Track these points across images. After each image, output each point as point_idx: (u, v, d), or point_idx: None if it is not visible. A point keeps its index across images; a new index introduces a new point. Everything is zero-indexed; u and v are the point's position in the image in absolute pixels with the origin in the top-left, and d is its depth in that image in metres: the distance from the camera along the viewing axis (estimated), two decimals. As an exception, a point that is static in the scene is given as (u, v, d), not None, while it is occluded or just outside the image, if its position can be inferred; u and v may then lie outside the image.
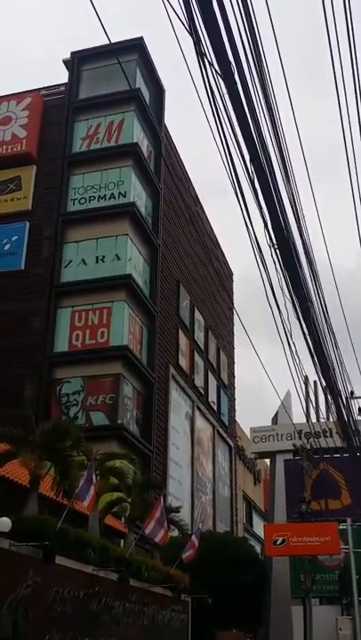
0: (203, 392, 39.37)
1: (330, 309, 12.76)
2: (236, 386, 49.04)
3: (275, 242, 8.66)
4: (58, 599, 12.53)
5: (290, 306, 10.40)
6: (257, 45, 6.55)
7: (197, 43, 5.96)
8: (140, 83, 33.45)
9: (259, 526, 49.49)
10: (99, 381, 27.98)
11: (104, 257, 30.20)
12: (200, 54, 6.10)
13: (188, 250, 39.54)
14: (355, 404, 22.37)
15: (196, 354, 38.53)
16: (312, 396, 30.22)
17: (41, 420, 21.12)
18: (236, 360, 49.68)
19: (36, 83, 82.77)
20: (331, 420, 24.09)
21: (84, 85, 34.28)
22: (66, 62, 34.91)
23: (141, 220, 31.55)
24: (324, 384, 14.71)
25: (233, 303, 49.83)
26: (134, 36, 33.13)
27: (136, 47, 33.12)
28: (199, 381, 38.89)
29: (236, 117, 6.77)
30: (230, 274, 51.52)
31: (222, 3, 5.74)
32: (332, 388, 15.11)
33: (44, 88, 35.46)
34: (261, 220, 8.28)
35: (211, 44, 5.99)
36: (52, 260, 30.65)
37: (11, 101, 34.44)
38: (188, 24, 5.78)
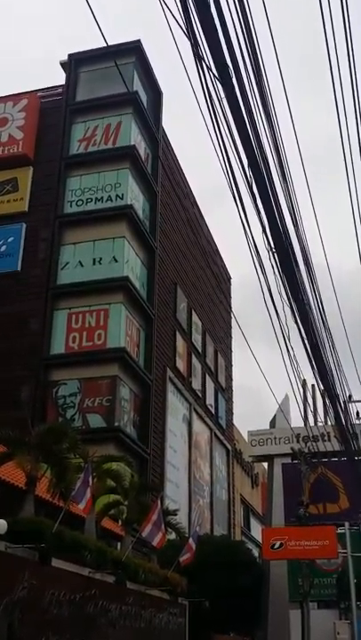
0: (200, 395, 39.36)
1: (328, 313, 12.76)
2: (233, 389, 49.04)
3: (273, 246, 8.65)
4: (54, 602, 12.48)
5: (288, 310, 10.39)
6: (255, 48, 6.54)
7: (195, 46, 5.96)
8: (137, 85, 33.48)
9: (256, 530, 49.45)
10: (95, 383, 27.96)
11: (101, 259, 30.20)
12: (198, 57, 6.09)
13: (186, 253, 39.54)
14: (353, 408, 22.39)
15: (193, 357, 38.51)
16: (310, 400, 30.22)
17: (37, 422, 21.10)
18: (234, 363, 49.71)
19: (35, 83, 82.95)
20: (329, 423, 24.11)
21: (82, 87, 34.30)
22: (63, 64, 34.95)
23: (139, 222, 31.56)
24: (322, 388, 14.71)
25: (231, 307, 49.87)
26: (132, 39, 33.20)
27: (134, 50, 33.16)
28: (197, 384, 38.87)
29: (234, 121, 6.76)
30: (228, 277, 51.53)
31: (220, 5, 5.73)
32: (330, 392, 15.10)
33: (40, 90, 35.47)
34: (260, 225, 8.28)
35: (208, 47, 5.98)
36: (49, 262, 30.64)
37: (7, 103, 34.44)
38: (185, 27, 5.77)
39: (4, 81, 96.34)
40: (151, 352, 31.42)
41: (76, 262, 30.54)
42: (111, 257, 30.10)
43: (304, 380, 22.62)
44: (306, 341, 11.52)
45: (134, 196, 32.14)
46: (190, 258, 40.31)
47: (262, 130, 7.31)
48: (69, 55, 34.63)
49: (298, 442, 29.43)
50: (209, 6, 5.65)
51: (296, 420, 34.12)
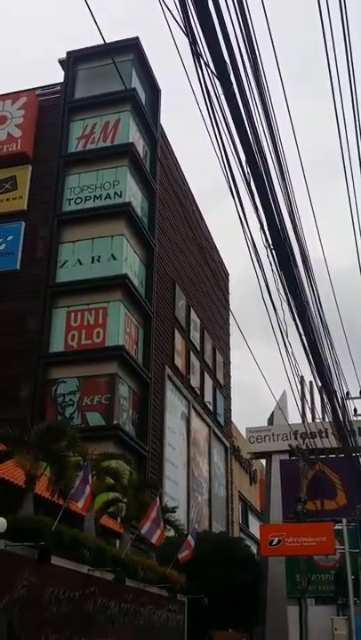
0: (199, 392, 39.39)
1: (326, 310, 12.78)
2: (232, 386, 49.08)
3: (271, 243, 8.67)
4: (53, 599, 12.51)
5: (286, 307, 10.41)
6: (253, 45, 6.55)
7: (193, 43, 5.96)
8: (135, 83, 33.42)
9: (254, 526, 49.52)
10: (94, 381, 27.96)
11: (100, 257, 30.18)
12: (196, 55, 6.10)
13: (184, 250, 39.54)
14: (350, 405, 22.43)
15: (191, 354, 38.54)
16: (308, 397, 30.25)
17: (36, 420, 21.13)
18: (232, 360, 49.73)
19: (35, 83, 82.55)
20: (326, 420, 24.16)
21: (80, 85, 34.24)
22: (61, 62, 34.88)
23: (137, 220, 31.55)
24: (320, 384, 14.74)
25: (229, 304, 49.88)
26: (130, 36, 33.15)
27: (132, 47, 33.11)
28: (195, 382, 38.90)
29: (232, 118, 6.77)
30: (226, 274, 51.54)
31: (218, 3, 5.74)
32: (327, 389, 15.13)
33: (39, 88, 35.40)
34: (258, 222, 8.29)
35: (207, 44, 5.99)
36: (48, 260, 30.61)
37: (6, 101, 34.38)
38: (184, 24, 5.78)
39: (4, 81, 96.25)
40: (150, 350, 31.44)
41: (75, 260, 30.52)
42: (110, 255, 30.09)
43: (302, 376, 22.63)
44: (304, 338, 11.54)
45: (133, 194, 32.13)
46: (189, 255, 40.32)
47: (260, 126, 7.33)
48: (68, 53, 34.56)
49: (296, 439, 29.46)
50: (207, 3, 5.65)
51: (294, 417, 34.23)
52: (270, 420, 33.88)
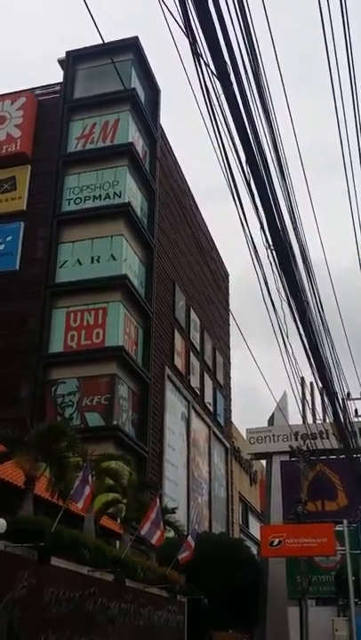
0: (198, 393, 39.37)
1: (326, 310, 12.76)
2: (232, 387, 49.05)
3: (271, 244, 8.65)
4: (53, 600, 12.50)
5: (286, 307, 10.39)
6: (253, 44, 6.53)
7: (193, 43, 5.94)
8: (135, 83, 33.40)
9: (255, 527, 49.48)
10: (94, 382, 27.94)
11: (99, 257, 30.16)
12: (196, 55, 6.08)
13: (184, 250, 39.52)
14: (351, 406, 22.41)
15: (191, 354, 38.52)
16: (309, 398, 30.22)
17: (36, 420, 21.08)
18: (232, 360, 49.71)
19: (35, 82, 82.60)
20: (327, 421, 24.13)
21: (79, 85, 34.22)
22: (60, 62, 34.85)
23: (137, 220, 31.53)
24: (320, 385, 14.71)
25: (229, 304, 49.86)
26: (130, 36, 33.13)
27: (131, 47, 33.09)
28: (195, 382, 38.87)
29: (232, 118, 6.75)
30: (226, 275, 51.53)
31: (218, 3, 5.72)
32: (328, 390, 15.10)
33: (38, 87, 35.38)
34: (258, 222, 8.27)
35: (207, 44, 5.97)
36: (47, 261, 30.59)
37: (5, 101, 34.35)
38: (183, 24, 5.76)
39: (4, 81, 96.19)
40: (149, 350, 31.41)
41: (75, 260, 30.50)
42: (109, 255, 30.07)
43: (302, 377, 22.62)
44: (304, 339, 11.52)
45: (132, 194, 32.10)
46: (188, 255, 40.29)
47: (260, 126, 7.31)
48: (67, 52, 34.54)
49: (296, 439, 29.44)
50: (207, 3, 5.64)
51: (295, 418, 34.16)
52: (271, 421, 33.83)
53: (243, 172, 7.45)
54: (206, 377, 41.40)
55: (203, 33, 5.86)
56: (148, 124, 34.55)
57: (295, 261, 9.85)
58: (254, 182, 7.61)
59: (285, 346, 11.96)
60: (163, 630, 19.04)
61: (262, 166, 7.57)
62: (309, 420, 28.87)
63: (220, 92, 6.46)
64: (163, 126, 37.14)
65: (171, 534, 22.91)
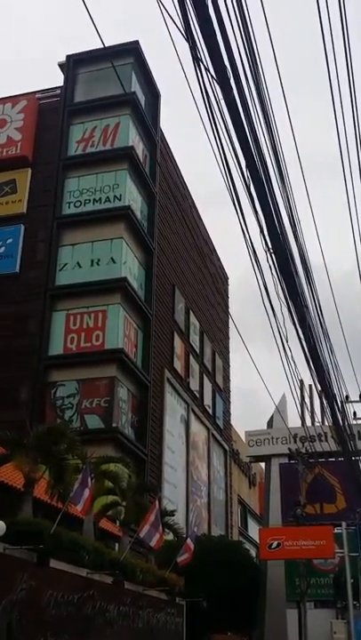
0: (198, 395, 39.38)
1: (325, 314, 12.79)
2: (231, 389, 49.07)
3: (271, 247, 8.68)
4: (52, 602, 12.51)
5: (286, 311, 10.42)
6: (253, 50, 6.57)
7: (193, 48, 5.98)
8: (135, 86, 33.49)
9: (254, 530, 49.47)
10: (94, 384, 27.96)
11: (99, 260, 30.20)
12: (196, 59, 6.12)
13: (184, 254, 39.57)
14: (350, 408, 22.42)
15: (191, 357, 38.54)
16: (307, 400, 30.25)
17: (35, 423, 21.08)
18: (231, 364, 49.74)
19: (36, 83, 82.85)
20: (326, 423, 24.15)
21: (80, 88, 34.29)
22: (61, 65, 34.93)
23: (137, 223, 31.58)
24: (319, 388, 14.74)
25: (228, 307, 49.91)
26: (130, 40, 33.21)
27: (132, 51, 33.18)
28: (194, 385, 38.88)
29: (232, 122, 6.79)
30: (226, 278, 51.59)
31: (218, 7, 5.76)
32: (327, 392, 15.13)
33: (39, 91, 35.45)
34: (258, 226, 8.31)
35: (207, 48, 6.01)
36: (47, 263, 30.63)
37: (6, 104, 34.44)
38: (184, 29, 5.80)
39: (4, 82, 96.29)
40: (149, 353, 31.44)
41: (75, 263, 30.55)
42: (109, 258, 30.11)
43: (301, 380, 22.64)
44: (303, 342, 11.55)
45: (132, 197, 32.16)
46: (188, 259, 40.35)
47: (260, 130, 7.35)
48: (67, 56, 34.61)
49: (295, 442, 29.47)
50: (207, 7, 5.67)
51: (293, 421, 34.18)
52: (270, 424, 33.88)
53: (242, 176, 7.49)
54: (206, 380, 41.42)
55: (203, 37, 5.90)
56: (148, 127, 34.62)
57: (295, 265, 9.89)
58: (254, 186, 7.65)
59: (285, 349, 11.99)
60: (161, 633, 19.04)
61: (262, 170, 7.61)
62: (308, 422, 28.89)
63: (220, 96, 6.50)
64: (163, 130, 37.24)
65: (170, 537, 22.92)
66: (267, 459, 33.36)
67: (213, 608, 23.11)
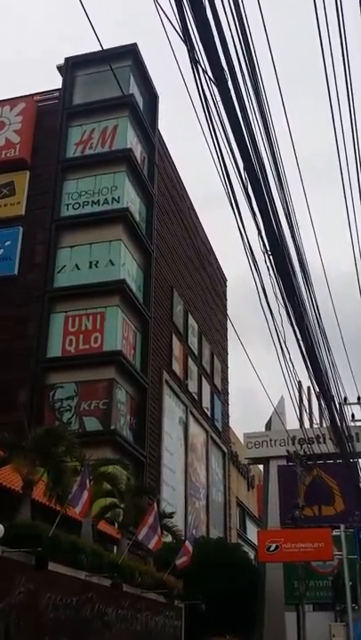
0: (196, 398, 39.37)
1: (323, 314, 12.79)
2: (229, 391, 49.09)
3: (268, 249, 8.68)
4: (50, 605, 12.48)
5: (284, 312, 10.42)
6: (251, 51, 6.58)
7: (191, 49, 5.98)
8: (133, 89, 33.52)
9: (252, 532, 49.41)
10: (92, 386, 27.94)
11: (97, 262, 30.20)
12: (194, 61, 6.12)
13: (182, 255, 39.59)
14: (348, 410, 22.43)
15: (189, 359, 38.54)
16: (306, 402, 30.24)
17: (34, 425, 21.06)
18: (230, 364, 49.76)
19: (35, 85, 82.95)
20: (324, 425, 24.14)
21: (78, 91, 34.31)
22: (59, 68, 34.96)
23: (135, 225, 31.58)
24: (317, 390, 14.73)
25: (227, 309, 49.93)
26: (128, 42, 33.25)
27: (130, 53, 33.21)
28: (193, 387, 38.87)
29: (230, 124, 6.79)
30: (224, 280, 51.62)
31: (215, 9, 5.76)
32: (325, 394, 15.12)
33: (37, 93, 35.48)
34: (255, 227, 8.31)
35: (205, 50, 6.01)
36: (46, 266, 30.62)
37: (4, 106, 34.45)
38: (181, 30, 5.80)
39: (2, 83, 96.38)
40: (147, 355, 31.42)
41: (73, 265, 30.54)
42: (108, 260, 30.10)
43: (300, 382, 22.65)
44: (301, 343, 11.55)
45: (131, 199, 32.17)
46: (186, 260, 40.37)
47: (258, 132, 7.35)
48: (66, 59, 34.65)
49: (293, 444, 29.44)
50: (205, 9, 5.68)
51: (292, 423, 34.15)
52: (268, 426, 33.86)
53: (240, 177, 7.48)
54: (204, 382, 41.42)
55: (200, 39, 5.90)
56: (146, 129, 34.65)
57: (293, 266, 9.89)
58: (252, 188, 7.65)
59: (283, 351, 11.98)
60: (160, 636, 19.00)
61: (260, 172, 7.61)
62: (307, 424, 28.89)
63: (218, 97, 6.50)
64: (161, 132, 37.26)
65: (168, 539, 22.90)
66: (265, 461, 33.33)
67: (212, 611, 23.08)
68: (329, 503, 29.06)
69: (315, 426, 27.87)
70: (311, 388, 27.54)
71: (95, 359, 28.27)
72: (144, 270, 32.88)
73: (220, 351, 47.38)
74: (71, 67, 34.40)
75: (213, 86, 6.40)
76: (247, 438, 33.85)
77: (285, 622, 27.24)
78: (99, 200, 31.50)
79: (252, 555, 35.72)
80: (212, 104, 6.58)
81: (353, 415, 23.80)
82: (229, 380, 49.19)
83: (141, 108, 34.29)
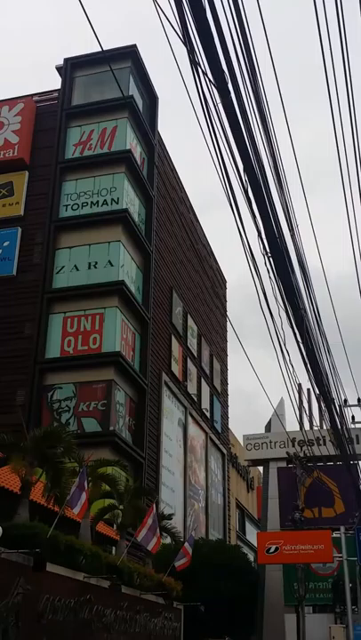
0: (196, 399, 39.35)
1: (323, 316, 12.78)
2: (229, 393, 49.07)
3: (268, 250, 8.67)
4: (49, 607, 12.45)
5: (284, 314, 10.41)
6: (251, 54, 6.57)
7: (191, 52, 5.97)
8: (133, 90, 33.52)
9: (252, 534, 49.42)
10: (90, 388, 27.92)
11: (96, 263, 30.18)
12: (194, 63, 6.11)
13: (182, 257, 39.58)
14: (348, 412, 22.43)
15: (188, 361, 38.53)
16: (306, 404, 30.24)
17: (32, 426, 21.07)
18: (230, 367, 49.74)
19: (35, 87, 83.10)
20: (324, 427, 24.13)
21: (78, 92, 34.31)
22: (59, 68, 34.97)
23: (134, 226, 31.57)
24: (317, 392, 14.72)
25: (226, 311, 49.91)
26: (128, 44, 33.27)
27: (129, 55, 33.22)
28: (192, 388, 38.85)
29: (230, 126, 6.78)
30: (224, 281, 51.62)
31: (216, 11, 5.75)
32: (325, 396, 15.11)
33: (36, 94, 35.48)
34: (255, 229, 8.30)
35: (205, 52, 6.01)
36: (44, 266, 30.60)
37: (3, 107, 34.43)
38: (182, 33, 5.79)
39: (2, 82, 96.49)
40: (147, 356, 31.40)
41: (72, 266, 30.52)
42: (107, 261, 30.09)
43: (299, 383, 22.66)
44: (301, 345, 11.54)
45: (130, 201, 32.16)
46: (186, 262, 40.36)
47: (258, 134, 7.34)
48: (65, 59, 34.64)
49: (293, 446, 29.44)
50: (205, 12, 5.67)
51: (292, 424, 34.19)
52: (268, 428, 33.86)
53: (240, 179, 7.47)
54: (203, 383, 41.40)
55: (200, 41, 5.89)
56: (145, 131, 34.65)
57: (293, 268, 9.87)
58: (252, 190, 7.64)
59: (283, 352, 11.97)
60: (159, 637, 18.98)
61: (260, 174, 7.60)
62: (306, 426, 28.88)
63: (218, 99, 6.50)
64: (160, 133, 37.27)
65: (167, 541, 22.88)
66: (265, 463, 33.31)
67: (211, 613, 23.06)
68: (329, 505, 29.06)
69: (315, 428, 27.90)
70: (311, 389, 27.54)
71: (94, 360, 28.25)
72: (143, 271, 32.87)
73: (220, 353, 47.37)
74: (70, 67, 34.40)
75: (213, 88, 6.39)
76: (247, 440, 33.84)
77: (285, 624, 27.23)
78: (98, 201, 31.49)
79: (251, 556, 35.70)
80: (212, 106, 6.58)
81: (353, 417, 23.84)
82: (232, 381, 49.21)
83: (141, 109, 34.29)
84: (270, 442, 32.49)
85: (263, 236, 8.39)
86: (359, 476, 25.44)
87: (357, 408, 22.80)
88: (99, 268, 30.03)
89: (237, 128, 6.78)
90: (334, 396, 15.95)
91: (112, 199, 31.28)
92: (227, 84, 6.31)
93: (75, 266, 30.47)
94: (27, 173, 32.97)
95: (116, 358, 28.18)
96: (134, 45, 33.45)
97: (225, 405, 47.45)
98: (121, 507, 19.25)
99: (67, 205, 31.96)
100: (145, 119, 34.65)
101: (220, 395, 45.85)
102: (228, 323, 48.43)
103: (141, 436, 29.81)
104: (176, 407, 35.87)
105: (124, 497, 19.04)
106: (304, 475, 27.67)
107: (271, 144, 7.75)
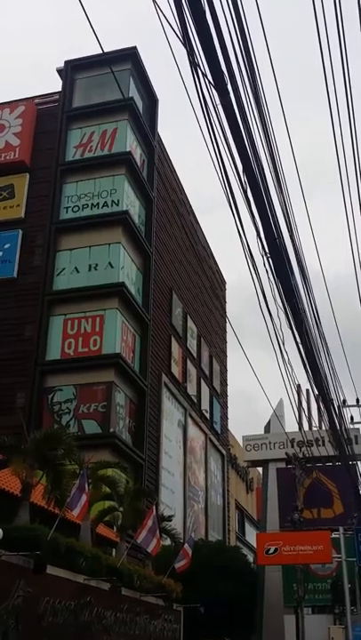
0: (195, 400, 39.34)
1: (322, 317, 12.79)
2: (229, 394, 49.07)
3: (267, 251, 8.68)
4: (49, 609, 12.45)
5: (282, 314, 10.42)
6: (250, 55, 6.58)
7: (191, 53, 5.99)
8: (133, 92, 33.56)
9: (251, 535, 49.39)
10: (91, 389, 27.92)
11: (97, 265, 30.19)
12: (194, 65, 6.13)
13: (181, 258, 39.60)
14: (347, 413, 22.44)
15: (188, 362, 38.52)
16: (305, 405, 30.25)
17: (33, 428, 21.06)
18: (229, 368, 49.74)
19: (35, 89, 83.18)
20: (323, 428, 24.15)
21: (78, 94, 34.34)
22: (59, 71, 35.00)
23: (134, 228, 31.59)
24: (316, 392, 14.73)
25: (226, 312, 49.91)
26: (128, 46, 33.29)
27: (130, 57, 33.25)
28: (192, 390, 38.86)
29: (230, 127, 6.80)
30: (223, 282, 51.63)
31: (216, 13, 5.77)
32: (324, 397, 15.12)
33: (37, 96, 35.52)
34: (254, 230, 8.31)
35: (205, 54, 6.02)
36: (45, 268, 30.61)
37: (4, 109, 34.45)
38: (181, 35, 5.81)
39: (3, 85, 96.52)
40: (146, 358, 31.40)
41: (72, 268, 30.53)
42: (107, 263, 30.10)
43: (299, 384, 22.67)
44: (300, 346, 11.55)
45: (130, 202, 32.18)
46: (186, 263, 40.38)
47: (257, 135, 7.35)
48: (66, 62, 34.68)
49: (292, 447, 29.45)
50: (205, 13, 5.68)
51: (291, 425, 34.19)
52: (267, 428, 33.85)
53: (240, 180, 7.49)
54: (203, 384, 41.39)
55: (200, 43, 5.90)
56: (146, 132, 34.68)
57: (292, 269, 9.89)
58: (251, 191, 7.65)
59: (282, 353, 11.99)
60: (159, 639, 18.97)
61: (259, 175, 7.61)
62: (306, 427, 28.88)
63: (218, 101, 6.51)
64: (160, 135, 37.30)
65: (167, 542, 22.86)
66: (264, 463, 33.31)
67: (211, 614, 23.04)
68: (328, 506, 29.06)
69: (314, 428, 27.91)
70: (310, 390, 27.56)
71: (94, 362, 28.25)
72: (143, 273, 32.89)
73: (220, 354, 47.38)
74: (71, 70, 34.44)
75: (213, 89, 6.41)
76: (246, 441, 33.84)
77: (284, 625, 27.21)
78: (98, 203, 31.50)
79: (250, 557, 35.67)
80: (212, 107, 6.59)
81: (352, 418, 23.85)
82: (231, 382, 49.20)
83: (141, 111, 34.32)
84: (270, 443, 32.50)
85: (262, 236, 8.41)
86: (358, 476, 25.46)
87: (356, 408, 22.83)
88: (99, 270, 30.04)
89: (237, 129, 6.80)
90: (333, 396, 15.97)
91: (112, 201, 31.30)
92: (226, 84, 6.33)
93: (75, 268, 30.48)
94: (27, 176, 32.99)
95: (116, 360, 28.18)
96: (134, 47, 33.50)
97: (224, 406, 47.45)
98: (121, 508, 19.24)
99: (67, 207, 31.99)
100: (145, 121, 34.68)
101: (220, 396, 45.85)
102: (227, 324, 48.46)
103: (141, 438, 29.81)
104: (176, 408, 35.87)
105: (124, 499, 19.04)
106: (303, 475, 27.66)
107: (270, 145, 7.77)
